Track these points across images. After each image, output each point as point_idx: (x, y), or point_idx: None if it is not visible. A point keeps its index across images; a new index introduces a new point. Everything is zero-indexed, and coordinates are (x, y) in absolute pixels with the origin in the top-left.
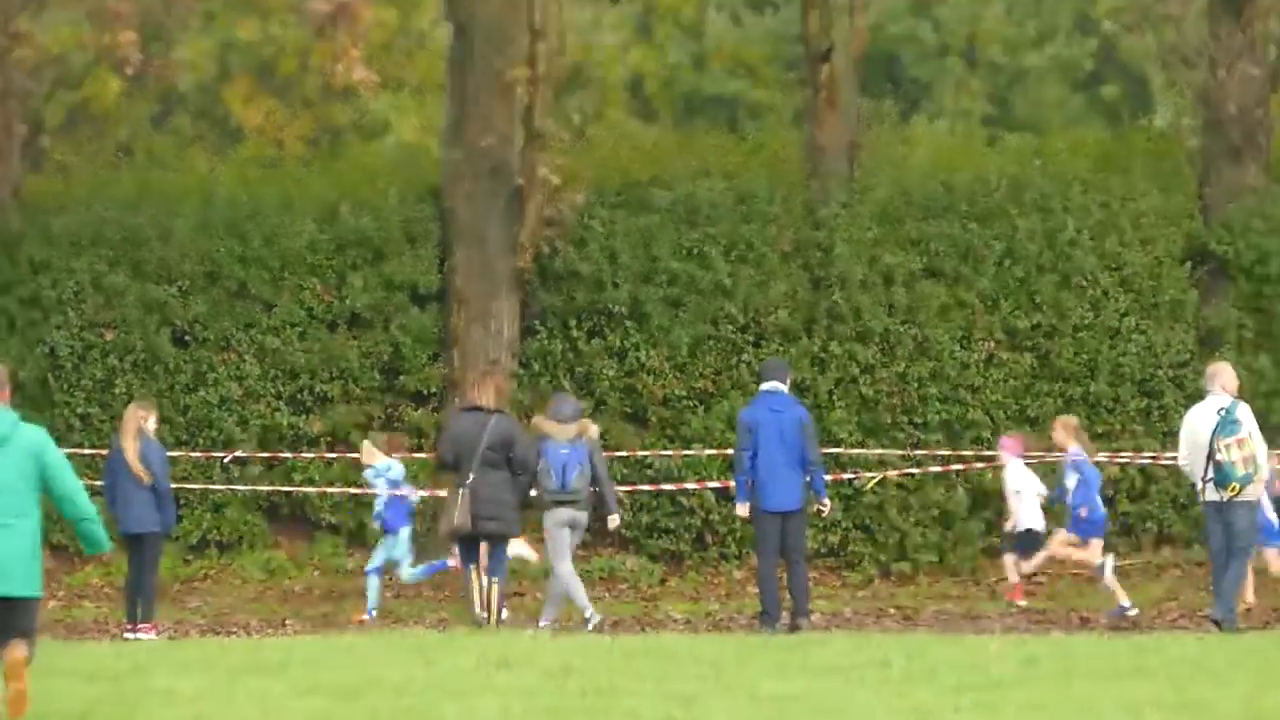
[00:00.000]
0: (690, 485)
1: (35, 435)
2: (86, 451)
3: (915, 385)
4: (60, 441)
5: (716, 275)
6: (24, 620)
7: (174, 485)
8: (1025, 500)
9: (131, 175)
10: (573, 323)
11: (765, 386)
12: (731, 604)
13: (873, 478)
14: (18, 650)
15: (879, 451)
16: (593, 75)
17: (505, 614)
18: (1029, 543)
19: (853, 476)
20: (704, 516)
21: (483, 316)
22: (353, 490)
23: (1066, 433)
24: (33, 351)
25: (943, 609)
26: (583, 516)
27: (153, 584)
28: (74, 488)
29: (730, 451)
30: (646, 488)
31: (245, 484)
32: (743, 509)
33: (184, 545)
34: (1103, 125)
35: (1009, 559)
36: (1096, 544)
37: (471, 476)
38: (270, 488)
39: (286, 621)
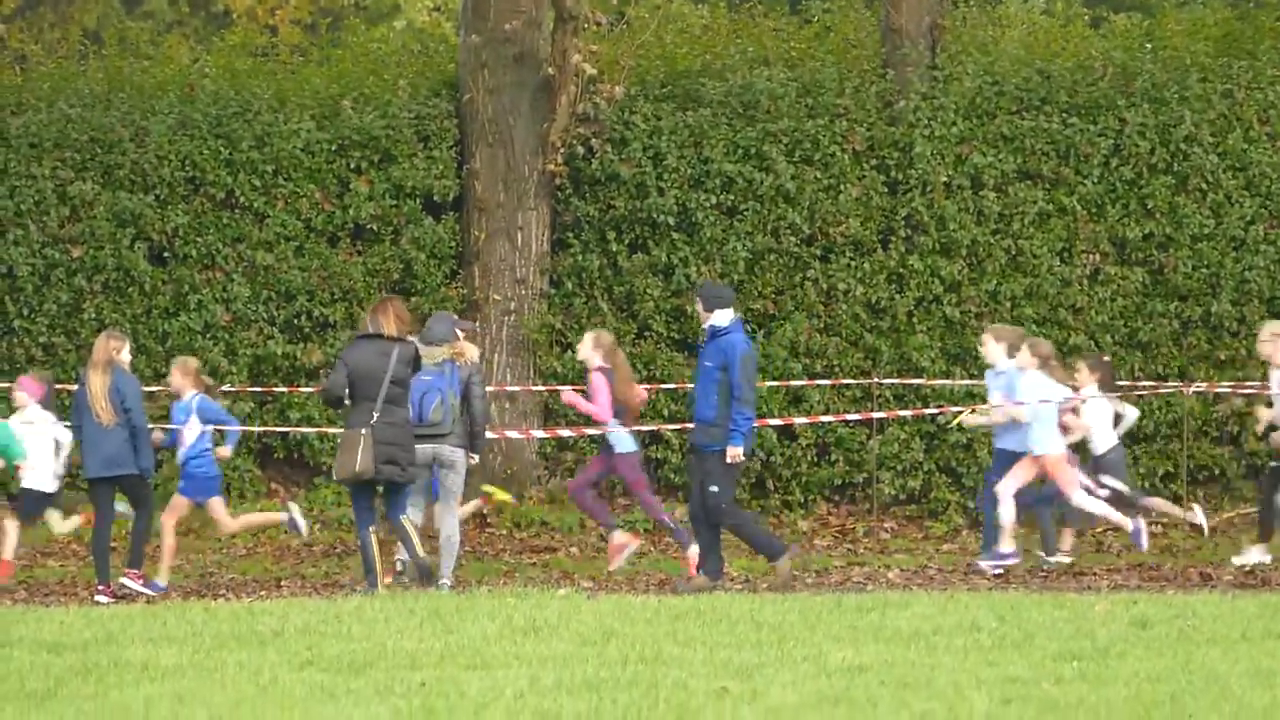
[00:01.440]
0: None
1: None
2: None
3: (1008, 305)
4: (19, 373)
5: (778, 179)
6: None
7: (151, 424)
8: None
9: (100, 67)
10: (611, 235)
11: (733, 314)
12: (796, 559)
13: (959, 413)
14: None
15: (966, 383)
16: None
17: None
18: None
19: (936, 411)
20: (763, 459)
21: (507, 228)
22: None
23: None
24: None
25: (1040, 564)
26: (448, 452)
27: (144, 531)
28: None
29: (794, 383)
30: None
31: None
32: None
33: (162, 495)
34: (1224, 3)
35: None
36: None
37: (375, 415)
38: (263, 428)
39: (281, 583)
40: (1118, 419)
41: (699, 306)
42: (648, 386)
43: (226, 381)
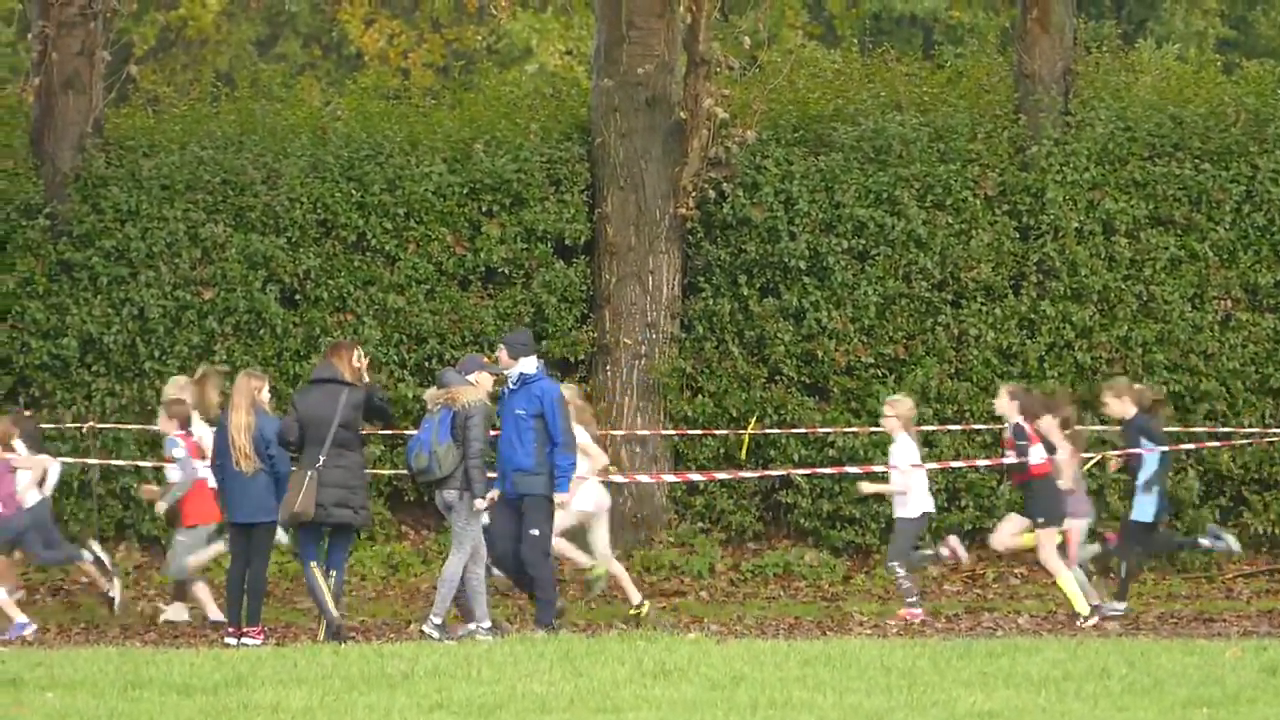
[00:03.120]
0: (878, 467)
1: None
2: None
3: (1139, 351)
4: (151, 416)
5: (909, 224)
6: None
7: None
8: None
9: (233, 109)
10: (742, 279)
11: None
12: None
13: (1090, 459)
14: None
15: (1097, 428)
16: None
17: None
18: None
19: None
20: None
21: (638, 272)
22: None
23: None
24: (119, 313)
25: (1170, 610)
26: (446, 495)
27: (262, 581)
28: None
29: (925, 428)
30: (828, 470)
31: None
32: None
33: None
34: None
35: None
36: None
37: (321, 458)
38: (393, 470)
39: (410, 625)
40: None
41: (502, 354)
42: (777, 430)
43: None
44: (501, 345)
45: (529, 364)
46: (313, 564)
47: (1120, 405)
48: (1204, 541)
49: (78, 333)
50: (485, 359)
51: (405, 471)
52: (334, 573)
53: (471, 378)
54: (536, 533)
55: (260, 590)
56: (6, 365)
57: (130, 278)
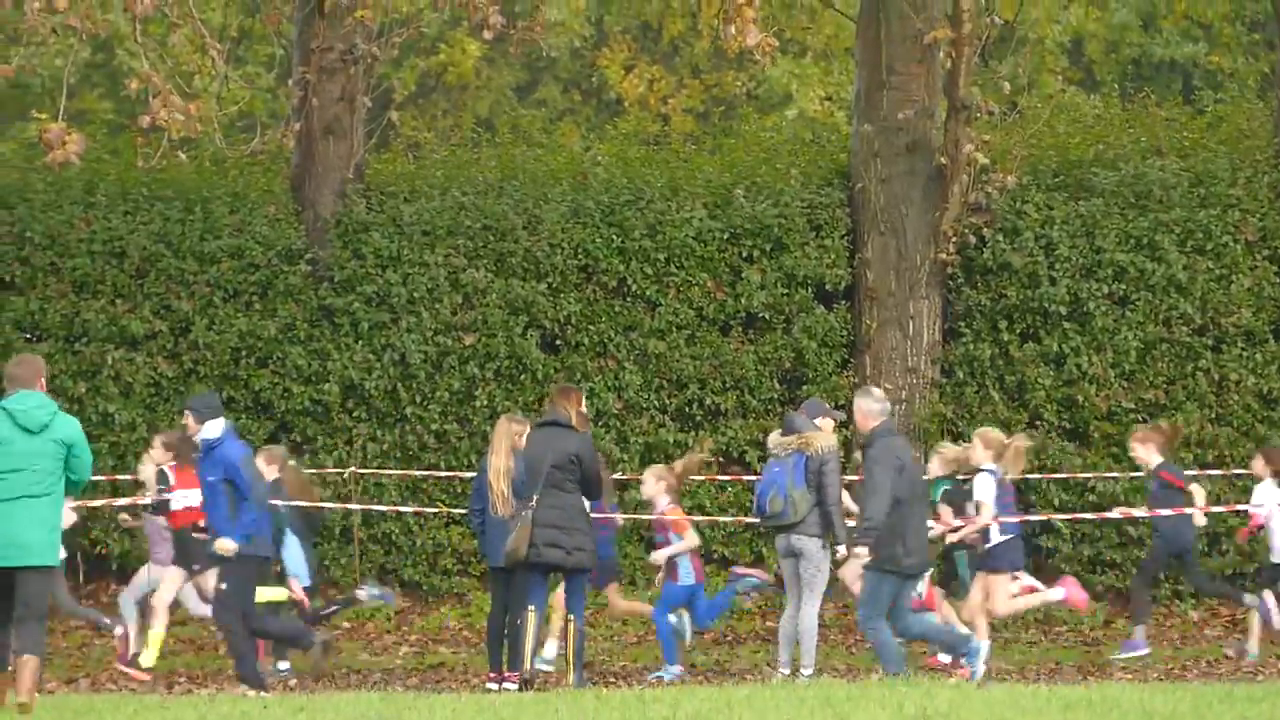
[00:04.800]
0: (1139, 512)
1: (70, 425)
2: (443, 474)
3: None
4: (412, 462)
5: (1170, 269)
6: (39, 587)
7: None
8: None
9: (493, 155)
10: (1003, 324)
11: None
12: (1186, 649)
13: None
14: (26, 666)
15: None
16: (1025, 37)
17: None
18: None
19: None
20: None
21: (899, 317)
22: (749, 520)
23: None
24: (380, 358)
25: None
26: (797, 541)
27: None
28: (83, 480)
29: (1186, 473)
30: (1088, 515)
31: (625, 511)
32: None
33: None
34: None
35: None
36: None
37: (535, 499)
38: (654, 515)
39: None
40: None
41: (189, 419)
42: (1038, 475)
43: (618, 470)
44: (188, 409)
45: (214, 428)
46: (530, 609)
47: None
48: None
49: (339, 378)
50: (829, 404)
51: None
52: (572, 618)
53: (817, 421)
54: (225, 586)
55: (520, 635)
56: (268, 410)
57: (391, 323)
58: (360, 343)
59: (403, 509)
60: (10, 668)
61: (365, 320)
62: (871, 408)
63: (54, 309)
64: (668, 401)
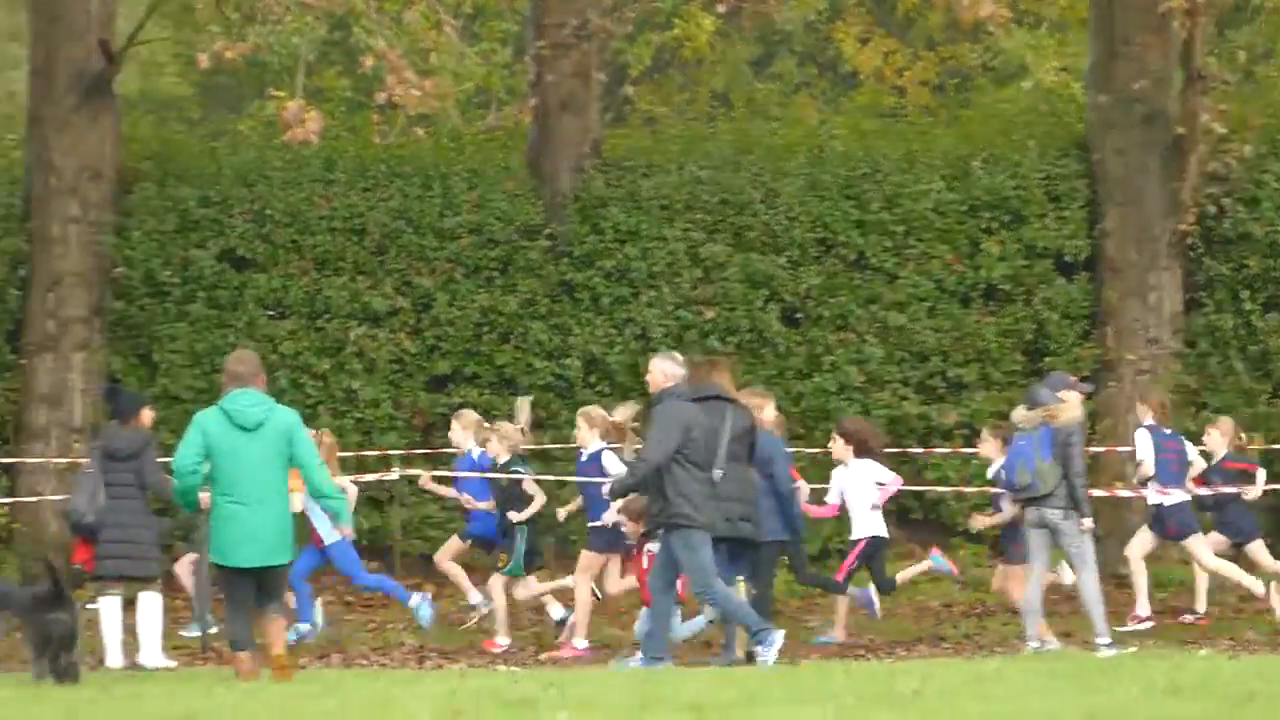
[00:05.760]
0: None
1: (287, 420)
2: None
3: None
4: None
5: None
6: (278, 585)
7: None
8: None
9: (729, 128)
10: (1245, 294)
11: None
12: None
13: None
14: (276, 625)
15: None
16: (1261, 5)
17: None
18: None
19: None
20: None
21: (1140, 288)
22: (995, 490)
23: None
24: (621, 332)
25: None
26: (1049, 515)
27: (768, 599)
28: (312, 467)
29: None
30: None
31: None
32: None
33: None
34: None
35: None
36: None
37: (718, 474)
38: (900, 488)
39: (920, 642)
40: None
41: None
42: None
43: None
44: None
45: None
46: (740, 580)
47: None
48: None
49: (581, 353)
50: (1072, 376)
51: (915, 488)
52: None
53: (1061, 394)
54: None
55: (768, 608)
56: (511, 385)
57: (632, 297)
58: (601, 317)
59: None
60: (260, 642)
61: (606, 295)
62: (672, 370)
63: (296, 286)
64: (909, 374)
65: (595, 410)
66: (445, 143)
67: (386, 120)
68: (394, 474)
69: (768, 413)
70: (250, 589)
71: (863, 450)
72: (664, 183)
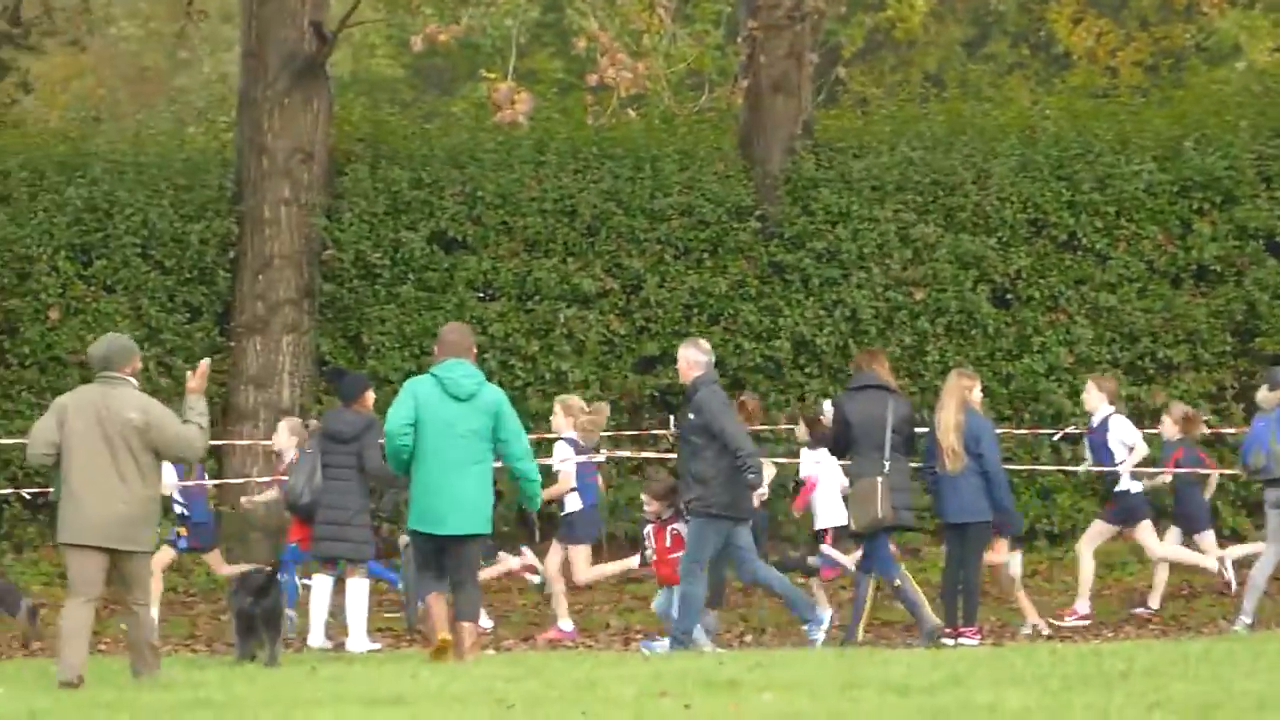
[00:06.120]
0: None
1: (496, 396)
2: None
3: None
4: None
5: None
6: (472, 555)
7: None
8: None
9: (942, 109)
10: None
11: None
12: None
13: None
14: (469, 598)
15: None
16: None
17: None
18: None
19: None
20: None
21: None
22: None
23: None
24: (831, 314)
25: None
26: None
27: (976, 582)
28: (518, 446)
29: None
30: None
31: (1077, 464)
32: None
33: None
34: None
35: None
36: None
37: (886, 464)
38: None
39: (1126, 623)
40: None
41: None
42: None
43: (1071, 424)
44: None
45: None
46: (865, 578)
47: None
48: None
49: (790, 334)
50: None
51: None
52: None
53: None
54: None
55: (975, 590)
56: (721, 367)
57: (842, 279)
58: (811, 299)
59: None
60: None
61: (816, 276)
62: (697, 358)
63: (506, 268)
64: (1119, 355)
65: (574, 400)
66: (657, 124)
67: (598, 102)
68: (601, 455)
69: (975, 394)
70: (443, 559)
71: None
72: (875, 164)
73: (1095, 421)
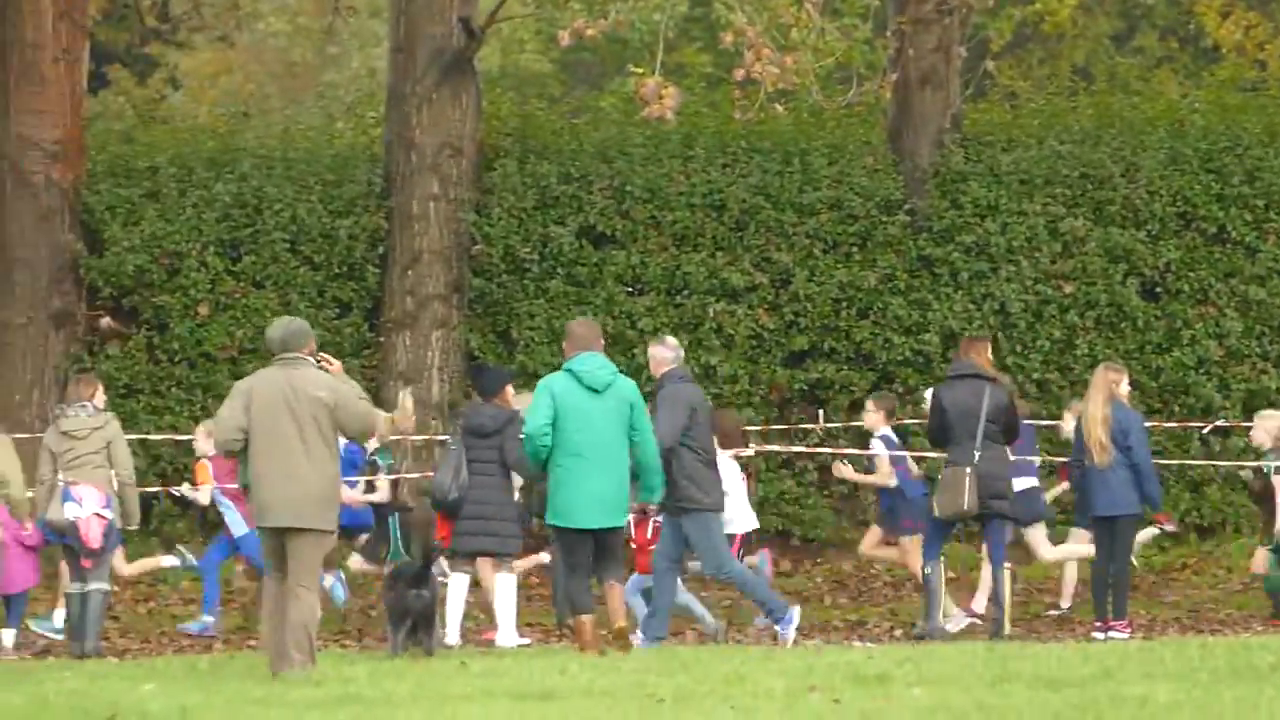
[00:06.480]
0: None
1: (630, 388)
2: (1046, 422)
3: None
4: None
5: None
6: (618, 548)
7: None
8: None
9: (1090, 102)
10: None
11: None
12: None
13: None
14: (616, 593)
15: None
16: None
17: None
18: None
19: None
20: None
21: None
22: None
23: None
24: (980, 308)
25: None
26: None
27: (1125, 575)
28: (649, 440)
29: None
30: None
31: (1227, 459)
32: None
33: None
34: None
35: None
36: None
37: (976, 453)
38: (1255, 463)
39: (1275, 617)
40: None
41: None
42: None
43: (1221, 417)
44: None
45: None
46: (935, 563)
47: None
48: None
49: (939, 328)
50: None
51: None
52: (1008, 566)
53: None
54: None
55: (1125, 583)
56: (870, 361)
57: (990, 272)
58: (960, 292)
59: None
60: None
61: (964, 270)
62: (664, 355)
63: (655, 262)
64: (1269, 349)
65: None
66: (805, 118)
67: (746, 96)
68: (750, 450)
69: (1123, 387)
70: (589, 552)
71: (726, 444)
72: (1023, 157)
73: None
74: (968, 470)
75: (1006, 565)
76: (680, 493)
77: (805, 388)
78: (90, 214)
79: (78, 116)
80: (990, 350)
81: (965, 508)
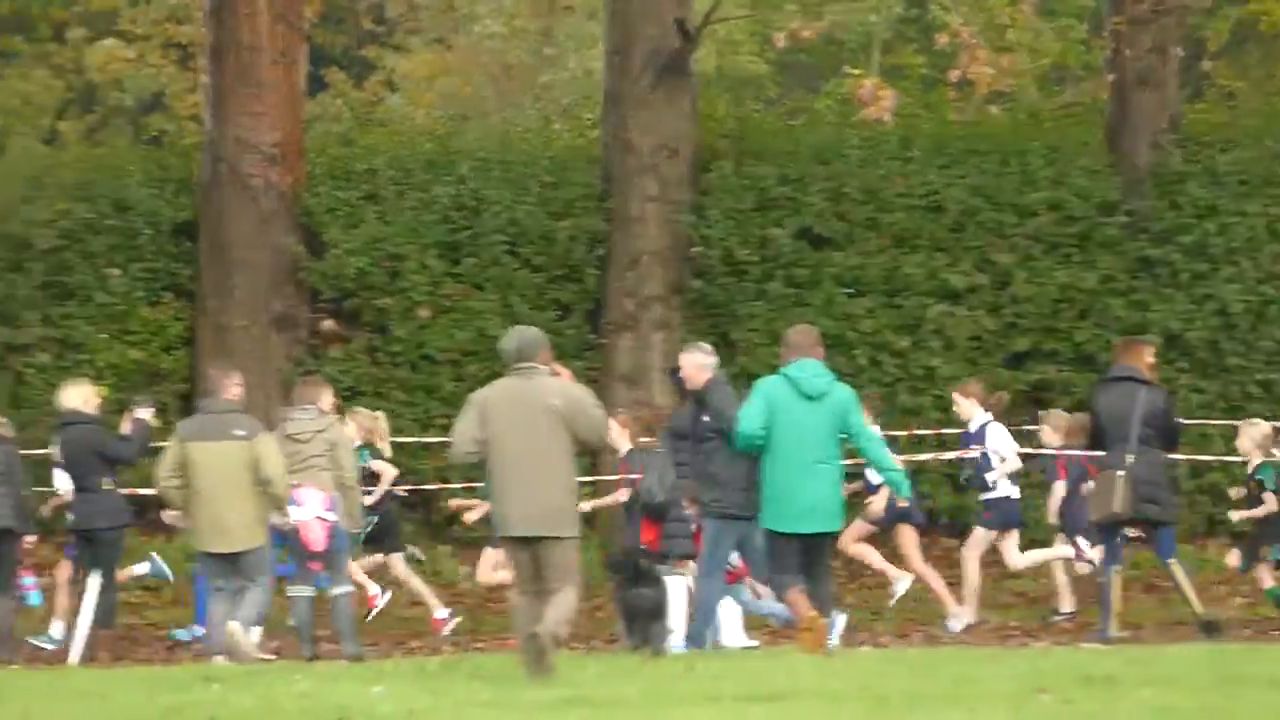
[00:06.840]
0: None
1: (846, 395)
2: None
3: None
4: (1236, 412)
5: None
6: (828, 555)
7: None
8: None
9: None
10: None
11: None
12: None
13: None
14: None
15: None
16: None
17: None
18: None
19: None
20: None
21: None
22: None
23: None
24: (1201, 309)
25: None
26: None
27: None
28: (871, 444)
29: None
30: None
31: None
32: None
33: None
34: None
35: None
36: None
37: (1130, 456)
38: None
39: None
40: None
41: None
42: None
43: None
44: None
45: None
46: (1115, 569)
47: None
48: None
49: (1160, 329)
50: None
51: None
52: (1173, 561)
53: None
54: None
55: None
56: (1090, 362)
57: (1211, 273)
58: (1180, 293)
59: (1228, 459)
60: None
61: (1184, 271)
62: (704, 361)
63: (874, 264)
64: None
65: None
66: (1022, 119)
67: (963, 97)
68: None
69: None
70: (801, 557)
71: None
72: (1242, 158)
73: None
74: (1120, 474)
75: (1170, 560)
76: (729, 498)
77: (1027, 388)
78: (310, 217)
79: (296, 119)
80: (1152, 353)
81: (1116, 510)
